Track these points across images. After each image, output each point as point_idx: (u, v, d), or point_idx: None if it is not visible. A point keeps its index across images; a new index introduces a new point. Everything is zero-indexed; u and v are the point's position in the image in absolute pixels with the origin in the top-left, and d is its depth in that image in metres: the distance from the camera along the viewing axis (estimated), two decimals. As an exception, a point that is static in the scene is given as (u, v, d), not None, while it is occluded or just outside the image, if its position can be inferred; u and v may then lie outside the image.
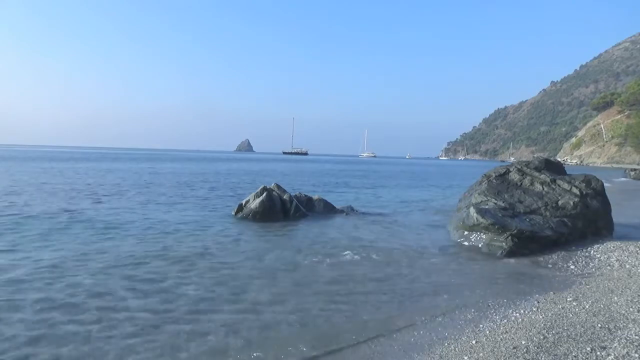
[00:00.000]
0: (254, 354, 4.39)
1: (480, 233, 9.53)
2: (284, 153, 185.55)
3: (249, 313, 5.47)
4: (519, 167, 11.89)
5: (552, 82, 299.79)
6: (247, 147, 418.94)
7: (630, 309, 5.36)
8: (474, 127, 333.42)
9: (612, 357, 4.02)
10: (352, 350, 4.57)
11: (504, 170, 11.87)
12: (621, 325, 4.82)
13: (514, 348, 4.34)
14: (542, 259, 8.51)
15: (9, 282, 6.29)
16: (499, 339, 4.65)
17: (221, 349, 4.49)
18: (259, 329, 5.01)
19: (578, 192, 10.71)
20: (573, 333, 4.66)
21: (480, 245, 9.27)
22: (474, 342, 4.62)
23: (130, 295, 5.99)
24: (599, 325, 4.87)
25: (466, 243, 9.61)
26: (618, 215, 12.04)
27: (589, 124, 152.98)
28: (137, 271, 7.14)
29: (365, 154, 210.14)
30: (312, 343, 4.66)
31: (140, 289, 6.23)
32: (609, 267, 7.81)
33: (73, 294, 5.90)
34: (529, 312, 5.51)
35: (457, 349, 4.46)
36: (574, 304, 5.75)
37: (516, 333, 4.77)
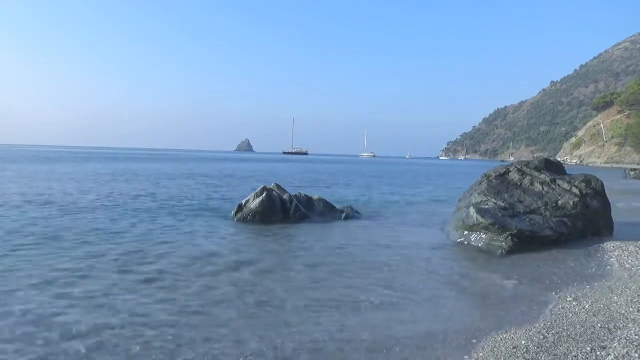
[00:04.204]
0: None
1: (480, 233, 9.53)
2: (284, 153, 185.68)
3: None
4: (519, 167, 11.89)
5: (552, 82, 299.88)
6: (247, 147, 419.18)
7: (630, 309, 5.36)
8: (474, 127, 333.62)
9: (612, 357, 4.02)
10: (352, 351, 4.57)
11: (504, 170, 11.87)
12: (621, 325, 4.82)
13: (514, 348, 4.35)
14: (542, 259, 8.50)
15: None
16: (499, 339, 4.65)
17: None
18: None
19: (578, 192, 10.71)
20: (573, 333, 4.67)
21: (480, 245, 9.27)
22: (474, 341, 4.63)
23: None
24: (599, 325, 4.87)
25: (466, 243, 9.61)
26: (618, 215, 12.06)
27: (589, 124, 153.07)
28: (132, 274, 7.13)
29: (365, 154, 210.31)
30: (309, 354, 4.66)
31: (139, 293, 6.24)
32: (609, 267, 7.82)
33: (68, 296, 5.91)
34: (528, 312, 5.51)
35: (457, 349, 4.47)
36: (574, 304, 5.75)
37: (516, 333, 4.77)
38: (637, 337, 4.43)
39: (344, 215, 13.43)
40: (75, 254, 8.01)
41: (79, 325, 4.90)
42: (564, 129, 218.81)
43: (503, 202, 10.43)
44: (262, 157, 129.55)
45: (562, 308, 5.60)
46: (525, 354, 4.18)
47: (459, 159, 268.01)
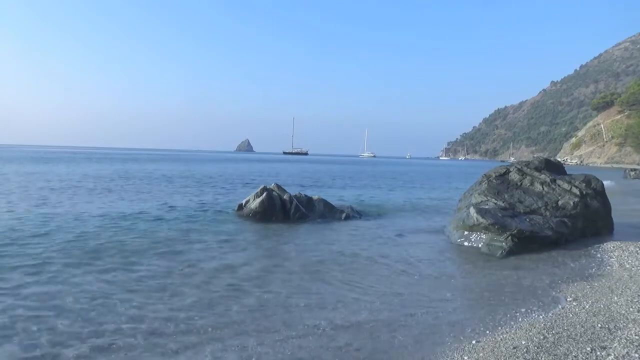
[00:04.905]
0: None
1: (480, 233, 9.53)
2: (284, 153, 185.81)
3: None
4: (519, 167, 11.89)
5: (552, 82, 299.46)
6: (247, 147, 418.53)
7: (630, 309, 5.37)
8: (474, 127, 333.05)
9: (612, 357, 4.02)
10: (348, 353, 4.57)
11: (504, 170, 11.87)
12: (621, 325, 4.82)
13: (514, 348, 4.35)
14: (542, 259, 8.51)
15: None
16: (499, 339, 4.65)
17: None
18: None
19: (578, 192, 10.71)
20: (573, 333, 4.67)
21: (480, 246, 9.28)
22: (474, 342, 4.63)
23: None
24: (599, 325, 4.87)
25: (466, 243, 9.61)
26: (618, 216, 12.07)
27: (589, 124, 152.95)
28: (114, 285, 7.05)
29: (365, 154, 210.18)
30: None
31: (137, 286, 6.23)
32: (609, 267, 7.82)
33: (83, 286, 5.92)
34: (528, 312, 5.52)
35: (457, 349, 4.47)
36: (574, 304, 5.75)
37: (516, 333, 4.77)
38: (637, 337, 4.43)
39: (344, 215, 13.43)
40: (70, 253, 8.02)
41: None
42: (564, 129, 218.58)
43: (503, 202, 10.43)
44: (262, 157, 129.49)
45: (562, 308, 5.60)
46: (525, 354, 4.18)
47: (459, 159, 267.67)
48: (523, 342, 4.47)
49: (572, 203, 10.38)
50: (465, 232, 9.87)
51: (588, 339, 4.47)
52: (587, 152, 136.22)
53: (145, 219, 12.16)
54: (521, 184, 11.27)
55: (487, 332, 4.90)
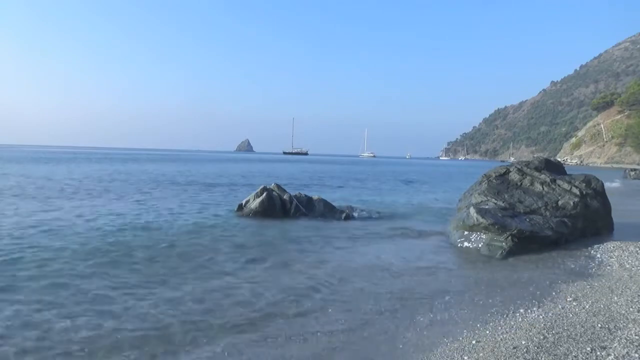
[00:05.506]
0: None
1: (480, 233, 9.52)
2: (285, 153, 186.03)
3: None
4: (519, 167, 11.89)
5: (552, 82, 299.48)
6: (247, 147, 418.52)
7: (630, 309, 5.36)
8: (474, 127, 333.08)
9: (612, 357, 4.02)
10: (351, 351, 4.57)
11: (504, 170, 11.87)
12: (621, 325, 4.82)
13: (514, 348, 4.34)
14: (542, 259, 8.51)
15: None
16: (499, 339, 4.65)
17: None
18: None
19: (578, 192, 10.71)
20: (573, 333, 4.67)
21: (480, 246, 9.27)
22: (474, 342, 4.63)
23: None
24: (599, 325, 4.87)
25: (466, 243, 9.61)
26: (618, 216, 12.06)
27: (589, 124, 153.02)
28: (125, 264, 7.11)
29: (365, 154, 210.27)
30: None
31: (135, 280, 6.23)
32: (609, 267, 7.82)
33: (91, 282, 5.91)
34: (528, 312, 5.51)
35: (457, 349, 4.47)
36: (574, 304, 5.75)
37: (516, 333, 4.77)
38: (637, 337, 4.43)
39: (343, 215, 13.42)
40: (72, 256, 8.03)
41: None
42: (564, 129, 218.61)
43: (503, 202, 10.43)
44: (262, 157, 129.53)
45: (562, 308, 5.60)
46: (525, 354, 4.18)
47: (459, 159, 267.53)
48: (523, 342, 4.47)
49: (572, 203, 10.38)
50: (465, 232, 9.86)
51: (588, 339, 4.47)
52: (587, 152, 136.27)
53: (144, 219, 12.16)
54: (521, 184, 11.27)
55: (487, 332, 4.90)
